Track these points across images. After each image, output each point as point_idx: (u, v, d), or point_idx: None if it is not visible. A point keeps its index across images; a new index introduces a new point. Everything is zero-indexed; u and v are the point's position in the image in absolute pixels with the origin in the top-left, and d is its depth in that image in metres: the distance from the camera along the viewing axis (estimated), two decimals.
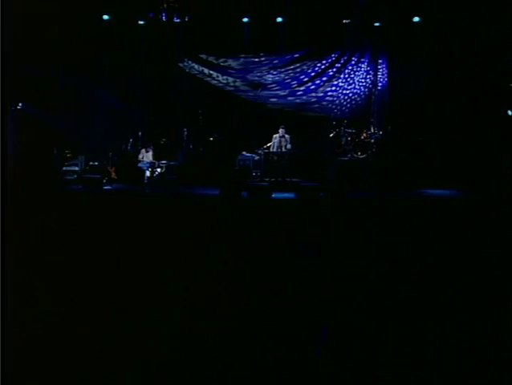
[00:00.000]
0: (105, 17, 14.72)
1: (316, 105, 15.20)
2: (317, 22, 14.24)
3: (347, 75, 15.06)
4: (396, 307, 4.74)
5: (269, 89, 15.22)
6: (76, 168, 14.15)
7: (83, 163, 14.38)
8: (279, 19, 14.58)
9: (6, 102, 10.00)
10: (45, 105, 13.84)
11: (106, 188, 13.21)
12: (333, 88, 15.11)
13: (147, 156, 13.79)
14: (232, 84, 15.32)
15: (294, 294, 5.06)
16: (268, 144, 13.69)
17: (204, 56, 15.15)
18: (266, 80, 15.18)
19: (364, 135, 14.05)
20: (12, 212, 4.91)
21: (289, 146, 13.54)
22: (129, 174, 13.89)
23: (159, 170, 13.76)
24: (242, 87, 15.32)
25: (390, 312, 4.64)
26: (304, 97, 15.18)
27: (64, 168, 14.02)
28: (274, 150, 13.61)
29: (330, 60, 15.03)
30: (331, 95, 15.15)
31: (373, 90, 15.01)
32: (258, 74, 15.16)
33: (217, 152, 14.40)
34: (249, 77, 15.20)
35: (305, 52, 14.97)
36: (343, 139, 14.17)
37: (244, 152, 13.98)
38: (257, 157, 13.84)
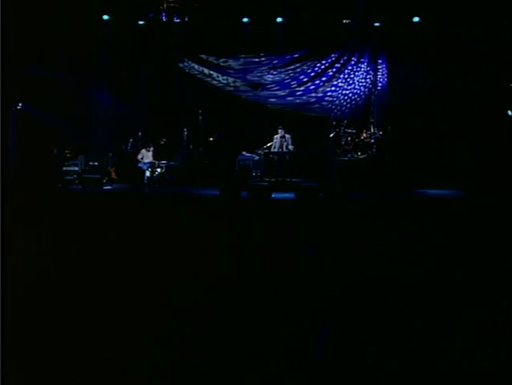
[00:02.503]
0: (105, 17, 14.70)
1: (316, 105, 15.19)
2: (317, 22, 14.23)
3: (346, 75, 15.05)
4: (396, 307, 4.75)
5: (269, 89, 15.21)
6: (76, 168, 14.14)
7: (83, 163, 14.37)
8: (279, 19, 14.57)
9: (6, 102, 10.00)
10: (45, 105, 13.83)
11: (106, 188, 13.22)
12: (333, 88, 15.10)
13: (147, 156, 13.77)
14: (232, 84, 15.31)
15: (294, 294, 5.06)
16: (268, 144, 13.68)
17: (204, 56, 15.15)
18: (265, 80, 15.18)
19: (364, 135, 14.06)
20: (12, 212, 4.92)
21: (291, 147, 13.49)
22: (129, 174, 13.88)
23: (159, 170, 13.75)
24: (242, 87, 15.32)
25: (390, 311, 4.64)
26: (304, 97, 15.17)
27: (64, 168, 14.02)
28: (276, 150, 13.60)
29: (330, 60, 15.02)
30: (330, 95, 15.14)
31: (373, 90, 14.99)
32: (258, 74, 15.16)
33: (217, 152, 14.39)
34: (249, 77, 15.19)
35: (305, 52, 14.96)
36: (343, 139, 14.17)
37: (244, 152, 13.98)
38: (257, 157, 13.84)
